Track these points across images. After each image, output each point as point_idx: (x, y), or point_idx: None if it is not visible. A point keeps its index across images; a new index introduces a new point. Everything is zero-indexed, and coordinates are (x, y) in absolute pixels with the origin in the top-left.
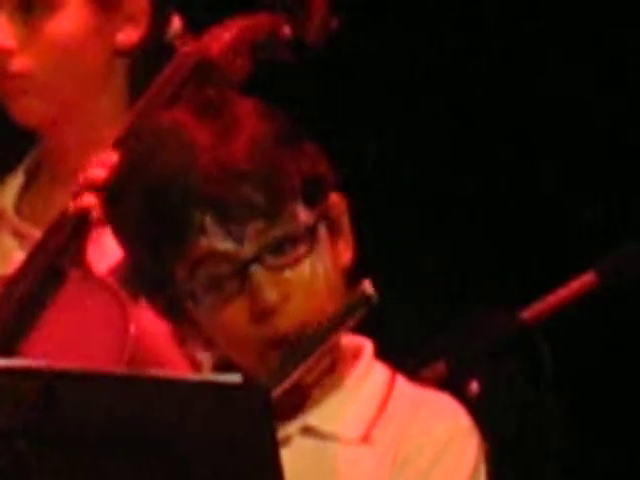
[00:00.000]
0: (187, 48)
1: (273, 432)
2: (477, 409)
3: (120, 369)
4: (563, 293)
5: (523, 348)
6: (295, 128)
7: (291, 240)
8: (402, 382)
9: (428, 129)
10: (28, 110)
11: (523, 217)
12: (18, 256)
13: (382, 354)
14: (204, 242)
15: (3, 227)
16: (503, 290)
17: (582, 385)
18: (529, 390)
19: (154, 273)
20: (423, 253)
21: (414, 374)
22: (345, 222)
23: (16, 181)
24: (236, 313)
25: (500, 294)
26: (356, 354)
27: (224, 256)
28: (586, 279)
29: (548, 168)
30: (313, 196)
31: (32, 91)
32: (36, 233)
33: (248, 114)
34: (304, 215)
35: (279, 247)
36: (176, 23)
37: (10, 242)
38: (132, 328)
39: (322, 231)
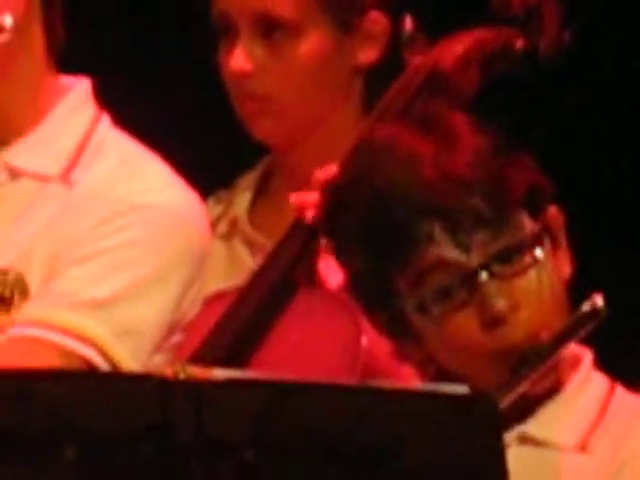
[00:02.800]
0: (419, 60)
1: (501, 443)
2: None
3: (352, 381)
4: None
5: None
6: (512, 139)
7: (517, 250)
8: (621, 392)
9: None
10: (267, 130)
11: None
12: (250, 265)
13: (607, 363)
14: (432, 251)
15: (236, 235)
16: None
17: None
18: None
19: (376, 287)
20: None
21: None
22: (563, 235)
23: (248, 189)
24: (465, 322)
25: None
26: (575, 363)
27: (452, 265)
28: None
29: None
30: (536, 206)
31: (271, 112)
32: (268, 243)
33: (465, 127)
34: (529, 225)
35: (506, 256)
36: (409, 35)
37: (242, 251)
38: (364, 341)
39: (546, 242)
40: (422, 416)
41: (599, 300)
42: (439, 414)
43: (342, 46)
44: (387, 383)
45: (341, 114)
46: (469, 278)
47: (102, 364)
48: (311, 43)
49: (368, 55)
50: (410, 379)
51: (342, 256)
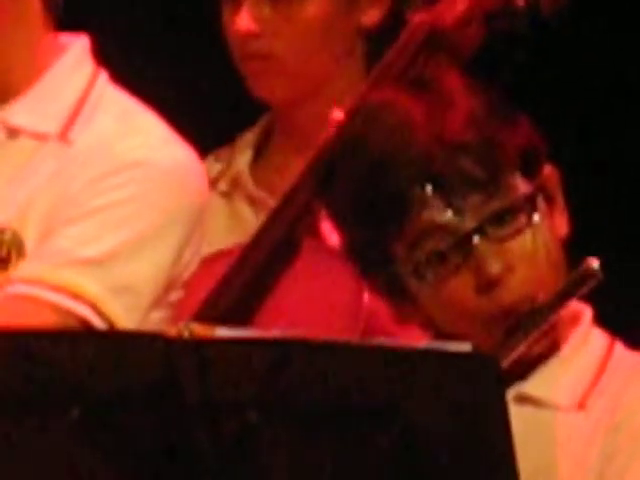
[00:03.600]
0: (419, 18)
1: (504, 400)
2: None
3: (354, 338)
4: None
5: None
6: (506, 100)
7: (511, 211)
8: (621, 349)
9: None
10: (271, 90)
11: None
12: (252, 222)
13: (609, 321)
14: (425, 215)
15: (237, 193)
16: None
17: None
18: None
19: (372, 252)
20: None
21: None
22: (559, 194)
23: (248, 147)
24: (460, 286)
25: None
26: (574, 320)
27: (446, 229)
28: None
29: None
30: (530, 167)
31: (276, 71)
32: (270, 200)
33: (459, 88)
34: (523, 187)
35: (500, 218)
36: None
37: (244, 208)
38: (366, 297)
39: (540, 202)
40: (425, 374)
41: (594, 263)
42: (442, 372)
43: (347, 7)
44: (389, 342)
45: (344, 75)
46: (463, 241)
47: (98, 322)
48: (317, 4)
49: (372, 16)
50: (412, 339)
51: (338, 221)
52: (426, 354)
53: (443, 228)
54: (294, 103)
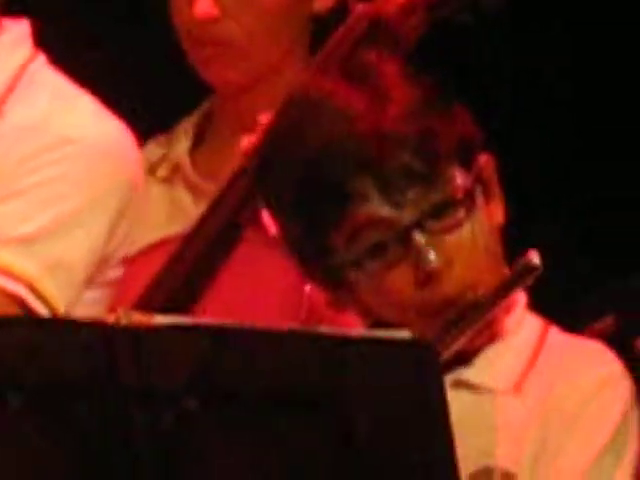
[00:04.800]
0: (362, 7)
1: (442, 386)
2: None
3: (294, 326)
4: None
5: None
6: (444, 89)
7: (450, 204)
8: (555, 333)
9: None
10: (224, 76)
11: None
12: (192, 209)
13: (550, 308)
14: (365, 209)
15: (177, 179)
16: None
17: None
18: None
19: (311, 243)
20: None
21: (582, 328)
22: (495, 183)
23: (188, 133)
24: (400, 278)
25: None
26: (509, 307)
27: (385, 222)
28: None
29: None
30: (467, 158)
31: (232, 57)
32: (210, 188)
33: (397, 77)
34: (461, 178)
35: (439, 211)
36: None
37: (184, 195)
38: (307, 287)
39: (478, 193)
40: (364, 361)
41: (534, 257)
42: (380, 358)
43: None
44: (328, 330)
45: (293, 62)
46: (402, 235)
47: (32, 300)
48: None
49: (324, 2)
50: (351, 327)
51: (275, 212)
52: (365, 341)
53: (382, 221)
54: (243, 89)
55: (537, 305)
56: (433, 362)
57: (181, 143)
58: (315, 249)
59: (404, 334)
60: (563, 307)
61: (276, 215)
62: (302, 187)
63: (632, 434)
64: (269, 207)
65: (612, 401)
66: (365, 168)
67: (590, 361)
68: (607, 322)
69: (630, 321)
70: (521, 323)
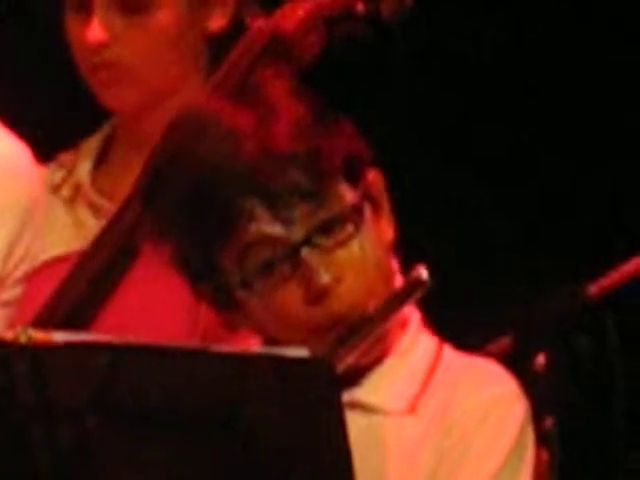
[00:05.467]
0: (260, 24)
1: (340, 405)
2: (543, 383)
3: (192, 344)
4: (630, 268)
5: (589, 323)
6: (330, 106)
7: (339, 220)
8: (449, 351)
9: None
10: (119, 99)
11: (591, 192)
12: (94, 230)
13: (445, 328)
14: (253, 228)
15: (79, 200)
16: (571, 265)
17: None
18: (595, 365)
19: (200, 263)
20: (489, 228)
21: (479, 348)
22: (384, 198)
23: (90, 154)
24: (289, 296)
25: (567, 269)
26: (403, 324)
27: (274, 240)
28: None
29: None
30: (354, 174)
31: (125, 81)
32: (112, 208)
33: (284, 96)
34: (349, 194)
35: (328, 228)
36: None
37: (86, 215)
38: (204, 306)
39: (367, 209)
40: (262, 378)
41: (423, 272)
42: (279, 376)
43: (195, 13)
44: (227, 347)
45: (191, 82)
46: (292, 252)
47: None
48: (167, 11)
49: (218, 22)
50: (247, 345)
51: (165, 231)
52: (263, 359)
53: (271, 240)
54: (141, 111)
55: (433, 323)
56: (332, 379)
57: (84, 163)
58: (205, 269)
59: (303, 352)
60: (460, 326)
61: (165, 235)
62: (190, 207)
63: (527, 453)
64: (159, 226)
65: (507, 420)
66: (253, 187)
67: (485, 381)
68: (504, 342)
69: (527, 340)
70: (415, 342)
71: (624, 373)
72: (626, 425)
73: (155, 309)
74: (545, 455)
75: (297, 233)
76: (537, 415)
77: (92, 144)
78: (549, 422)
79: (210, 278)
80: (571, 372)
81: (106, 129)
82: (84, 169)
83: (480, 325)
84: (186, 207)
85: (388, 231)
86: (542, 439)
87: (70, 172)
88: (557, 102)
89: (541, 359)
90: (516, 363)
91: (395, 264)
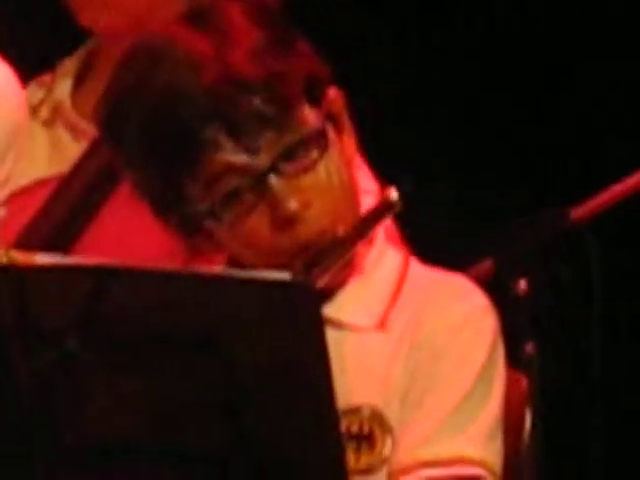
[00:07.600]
0: None
1: (322, 328)
2: (524, 308)
3: (177, 266)
4: (617, 190)
5: (572, 247)
6: (287, 28)
7: (304, 145)
8: (416, 265)
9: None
10: (95, 21)
11: (575, 114)
12: (73, 151)
13: (427, 253)
14: (218, 157)
15: (59, 120)
16: (554, 188)
17: (632, 289)
18: (577, 290)
19: (166, 193)
20: (470, 150)
21: (460, 272)
22: (346, 116)
23: (69, 75)
24: (257, 224)
25: (551, 192)
26: (369, 241)
27: (240, 169)
28: None
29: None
30: (316, 95)
31: (101, 3)
32: (91, 129)
33: (241, 20)
34: (312, 117)
35: (293, 153)
36: None
37: (65, 137)
38: None
39: (330, 131)
40: (240, 302)
41: (393, 193)
42: (262, 300)
43: None
44: (211, 270)
45: (172, 7)
46: (258, 180)
47: None
48: None
49: None
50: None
51: (128, 162)
52: (247, 282)
53: (237, 168)
54: (118, 33)
55: (416, 248)
56: (314, 302)
57: (63, 84)
58: (171, 199)
59: (285, 276)
60: (443, 251)
61: (128, 165)
62: (152, 137)
63: (499, 368)
64: (122, 156)
65: (479, 334)
66: (215, 115)
67: (456, 295)
68: (485, 266)
69: (508, 264)
70: (381, 257)
71: (603, 297)
72: (604, 352)
73: (136, 234)
74: (525, 381)
75: (262, 161)
76: (518, 340)
77: (71, 64)
78: (530, 347)
79: (177, 207)
80: (552, 297)
81: (86, 48)
82: (64, 88)
83: (461, 250)
84: (148, 137)
85: (350, 147)
86: (523, 365)
87: (49, 93)
88: None
89: (522, 284)
90: (497, 288)
91: (372, 185)
